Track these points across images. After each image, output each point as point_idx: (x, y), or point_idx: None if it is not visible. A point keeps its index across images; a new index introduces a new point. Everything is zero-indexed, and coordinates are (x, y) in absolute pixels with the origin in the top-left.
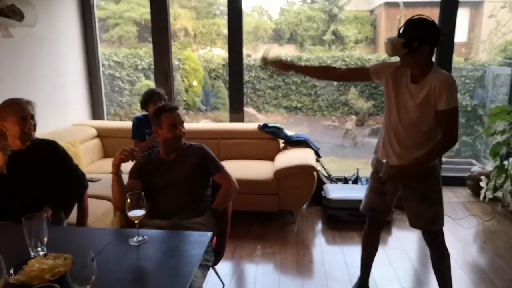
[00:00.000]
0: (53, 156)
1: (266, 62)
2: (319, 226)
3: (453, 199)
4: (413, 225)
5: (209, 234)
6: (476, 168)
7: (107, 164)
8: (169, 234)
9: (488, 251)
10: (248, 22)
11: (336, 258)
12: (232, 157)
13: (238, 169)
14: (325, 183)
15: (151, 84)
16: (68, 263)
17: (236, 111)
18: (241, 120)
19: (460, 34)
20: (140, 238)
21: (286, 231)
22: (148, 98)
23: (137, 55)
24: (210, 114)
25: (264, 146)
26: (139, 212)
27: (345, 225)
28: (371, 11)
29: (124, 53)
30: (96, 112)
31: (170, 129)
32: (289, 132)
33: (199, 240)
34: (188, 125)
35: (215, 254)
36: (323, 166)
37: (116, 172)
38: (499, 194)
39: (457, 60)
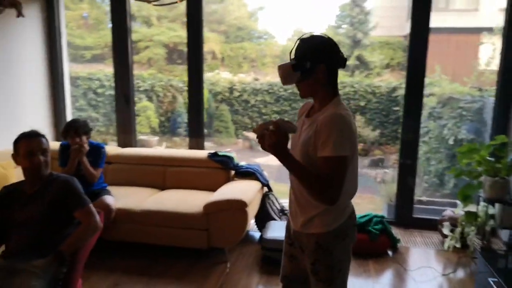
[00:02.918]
0: None
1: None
2: (252, 268)
3: (419, 245)
4: None
5: None
6: (448, 212)
7: None
8: None
9: None
10: (277, 46)
11: None
12: (177, 186)
13: (171, 199)
14: (274, 219)
15: (150, 105)
16: None
17: (196, 136)
18: (201, 146)
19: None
20: None
21: (213, 271)
22: (65, 131)
23: (140, 77)
24: (212, 138)
25: (213, 176)
26: None
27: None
28: (405, 36)
29: None
30: (58, 134)
31: (27, 157)
32: (242, 162)
33: None
34: (133, 150)
35: None
36: (273, 201)
37: None
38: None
39: (460, 89)
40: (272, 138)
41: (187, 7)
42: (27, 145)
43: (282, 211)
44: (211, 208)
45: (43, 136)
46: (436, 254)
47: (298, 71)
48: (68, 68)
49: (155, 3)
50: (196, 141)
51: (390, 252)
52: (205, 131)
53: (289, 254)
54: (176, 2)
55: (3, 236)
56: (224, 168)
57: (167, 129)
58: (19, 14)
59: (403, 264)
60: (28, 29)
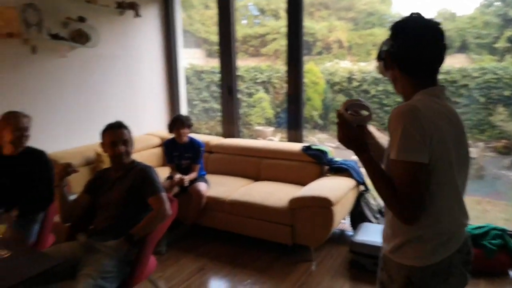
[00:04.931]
0: (36, 164)
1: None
2: (338, 270)
3: None
4: None
5: None
6: None
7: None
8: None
9: None
10: None
11: None
12: (270, 178)
13: (260, 192)
14: (369, 221)
15: (265, 96)
16: None
17: (294, 128)
18: (299, 139)
19: None
20: None
21: (295, 268)
22: (172, 124)
23: (258, 69)
24: (328, 129)
25: (305, 170)
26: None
27: (368, 276)
28: None
29: (246, 67)
30: None
31: (111, 146)
32: (337, 157)
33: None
34: (233, 141)
35: (123, 282)
36: (369, 200)
37: (57, 185)
38: None
39: None
40: (338, 133)
41: None
42: (111, 135)
43: (380, 211)
44: (296, 203)
45: (125, 127)
46: None
47: (380, 60)
48: (183, 62)
49: None
50: (294, 133)
51: (511, 273)
52: (320, 122)
53: (379, 280)
54: None
55: (92, 216)
56: (317, 163)
57: (282, 119)
58: (136, 14)
59: None
60: (147, 27)
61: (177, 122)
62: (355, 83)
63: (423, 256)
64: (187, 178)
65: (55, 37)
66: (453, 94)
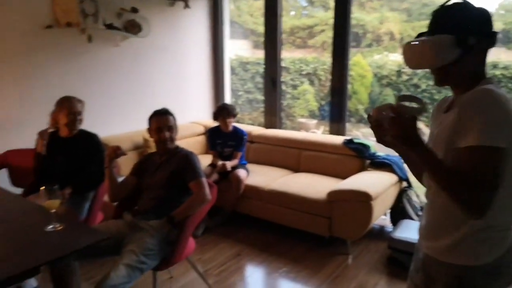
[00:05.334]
0: (89, 146)
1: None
2: (374, 266)
3: None
4: None
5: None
6: None
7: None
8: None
9: None
10: None
11: None
12: (310, 170)
13: (299, 183)
14: (411, 218)
15: (309, 88)
16: None
17: (337, 121)
18: (342, 132)
19: None
20: (52, 226)
21: (331, 261)
22: (217, 112)
23: (304, 60)
24: None
25: (346, 164)
26: (54, 202)
27: (406, 273)
28: None
29: (292, 58)
30: None
31: (156, 132)
32: (379, 152)
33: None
34: (273, 132)
35: (163, 260)
36: (411, 197)
37: (107, 166)
38: None
39: None
40: (393, 129)
41: None
42: (157, 121)
43: (422, 209)
44: (335, 196)
45: (171, 114)
46: None
47: (460, 47)
48: (230, 53)
49: None
50: (337, 126)
51: None
52: (366, 116)
53: (414, 282)
54: None
55: (138, 197)
56: (358, 157)
57: (326, 112)
58: (186, 5)
59: None
60: (196, 18)
61: (223, 111)
62: (404, 77)
63: (478, 254)
64: (229, 163)
65: (110, 27)
66: None
